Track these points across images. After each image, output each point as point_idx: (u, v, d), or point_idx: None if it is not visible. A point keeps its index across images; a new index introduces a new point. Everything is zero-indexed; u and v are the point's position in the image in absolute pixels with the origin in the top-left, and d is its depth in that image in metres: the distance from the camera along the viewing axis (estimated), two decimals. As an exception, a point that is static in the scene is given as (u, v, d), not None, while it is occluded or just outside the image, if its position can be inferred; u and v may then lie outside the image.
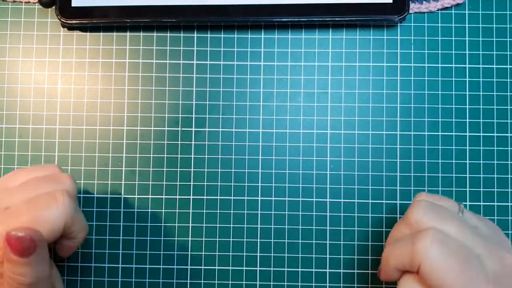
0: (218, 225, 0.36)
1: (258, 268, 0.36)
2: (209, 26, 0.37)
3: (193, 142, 0.36)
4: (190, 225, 0.36)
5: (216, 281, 0.36)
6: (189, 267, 0.36)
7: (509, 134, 0.36)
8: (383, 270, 0.29)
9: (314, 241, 0.36)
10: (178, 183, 0.36)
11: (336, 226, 0.36)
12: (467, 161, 0.36)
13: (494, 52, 0.36)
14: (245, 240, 0.36)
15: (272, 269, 0.36)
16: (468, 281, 0.25)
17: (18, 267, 0.25)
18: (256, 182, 0.36)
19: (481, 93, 0.36)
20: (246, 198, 0.36)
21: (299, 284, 0.36)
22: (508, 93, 0.36)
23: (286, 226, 0.36)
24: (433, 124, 0.36)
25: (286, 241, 0.36)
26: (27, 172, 0.30)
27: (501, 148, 0.36)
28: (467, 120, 0.36)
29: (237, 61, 0.37)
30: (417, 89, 0.36)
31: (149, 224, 0.36)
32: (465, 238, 0.26)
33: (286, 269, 0.36)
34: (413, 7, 0.36)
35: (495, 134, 0.36)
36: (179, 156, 0.36)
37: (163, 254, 0.36)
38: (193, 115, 0.36)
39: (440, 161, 0.36)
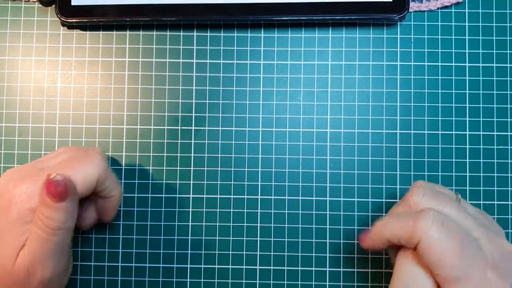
0: (217, 224, 0.36)
1: (258, 267, 0.36)
2: (209, 24, 0.37)
3: (192, 141, 0.36)
4: (190, 223, 0.36)
5: (216, 280, 0.36)
6: (188, 266, 0.36)
7: (509, 133, 0.36)
8: (372, 238, 0.29)
9: (314, 240, 0.36)
10: (177, 181, 0.36)
11: (336, 225, 0.36)
12: (467, 160, 0.36)
13: (494, 51, 0.36)
14: (244, 239, 0.36)
15: (272, 267, 0.36)
16: (467, 262, 0.25)
17: (50, 211, 0.27)
18: (256, 181, 0.36)
19: (481, 91, 0.36)
20: (245, 196, 0.36)
21: (299, 283, 0.36)
22: (508, 92, 0.36)
23: (286, 225, 0.36)
24: (433, 123, 0.36)
25: (285, 239, 0.36)
26: (62, 148, 0.32)
27: (501, 147, 0.36)
28: (467, 118, 0.36)
29: (236, 59, 0.37)
30: (417, 87, 0.36)
31: (148, 223, 0.36)
32: (463, 222, 0.27)
33: (286, 268, 0.36)
34: (413, 6, 0.36)
35: (495, 133, 0.36)
36: (178, 155, 0.36)
37: (162, 253, 0.36)
38: (193, 114, 0.36)
39: (440, 159, 0.36)
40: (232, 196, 0.36)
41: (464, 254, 0.26)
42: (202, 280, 0.36)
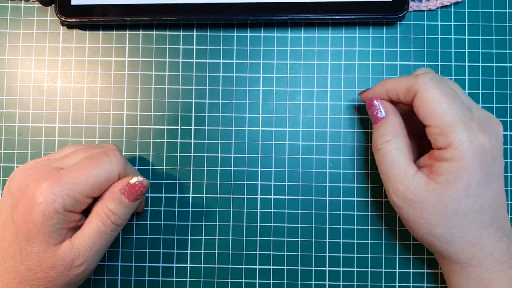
0: (217, 223, 0.36)
1: (257, 267, 0.36)
2: (209, 24, 0.37)
3: (192, 141, 0.36)
4: (190, 223, 0.36)
5: (216, 279, 0.36)
6: (188, 265, 0.36)
7: (508, 132, 0.36)
8: (373, 90, 0.32)
9: (313, 239, 0.36)
10: (177, 181, 0.36)
11: (335, 225, 0.36)
12: (467, 159, 0.36)
13: (494, 50, 0.36)
14: (244, 238, 0.36)
15: (271, 267, 0.36)
16: (457, 111, 0.28)
17: (120, 208, 0.30)
18: (256, 180, 0.36)
19: (480, 91, 0.36)
20: (245, 196, 0.36)
21: (299, 282, 0.36)
22: (508, 91, 0.36)
23: (286, 224, 0.36)
24: (433, 122, 0.36)
25: (285, 239, 0.36)
26: (75, 146, 0.32)
27: (500, 146, 0.36)
28: (467, 118, 0.36)
29: (236, 59, 0.37)
30: (417, 87, 0.36)
31: (148, 223, 0.36)
32: (460, 93, 0.30)
33: (285, 267, 0.36)
34: (413, 5, 0.36)
35: (494, 132, 0.36)
36: (178, 154, 0.36)
37: (162, 252, 0.36)
38: (193, 113, 0.36)
39: (439, 159, 0.36)
40: (231, 196, 0.36)
41: (455, 104, 0.29)
42: (201, 280, 0.36)
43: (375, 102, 0.31)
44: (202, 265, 0.36)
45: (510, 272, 0.29)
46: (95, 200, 0.30)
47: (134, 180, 0.30)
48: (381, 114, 0.31)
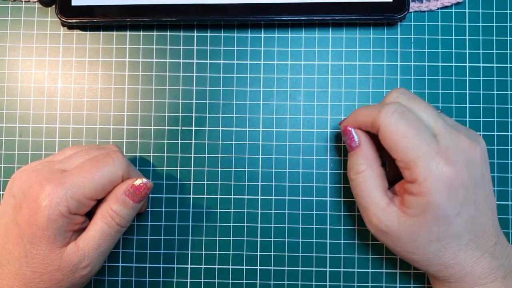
0: (218, 224, 0.36)
1: (258, 267, 0.36)
2: (209, 25, 0.37)
3: (193, 141, 0.36)
4: (190, 224, 0.36)
5: (216, 280, 0.36)
6: (189, 266, 0.36)
7: (509, 133, 0.36)
8: (348, 121, 0.32)
9: (314, 240, 0.36)
10: (178, 182, 0.36)
11: (336, 225, 0.36)
12: (467, 160, 0.36)
13: (494, 51, 0.36)
14: (245, 239, 0.36)
15: (272, 268, 0.36)
16: (419, 146, 0.28)
17: (125, 209, 0.30)
18: (256, 181, 0.36)
19: (481, 92, 0.36)
20: (246, 197, 0.36)
21: (299, 283, 0.36)
22: (508, 92, 0.36)
23: (286, 225, 0.36)
24: (433, 123, 0.36)
25: (286, 240, 0.36)
26: (76, 147, 0.32)
27: (501, 147, 0.36)
28: (467, 119, 0.36)
29: (237, 60, 0.37)
30: (417, 88, 0.36)
31: (149, 223, 0.36)
32: (428, 119, 0.29)
33: (286, 268, 0.36)
34: (413, 6, 0.36)
35: (495, 133, 0.36)
36: (179, 155, 0.36)
37: (163, 253, 0.36)
38: (193, 114, 0.36)
39: (440, 160, 0.36)
40: (232, 197, 0.36)
41: (417, 139, 0.28)
42: (202, 280, 0.36)
43: (349, 129, 0.32)
44: (203, 266, 0.36)
45: (493, 285, 0.29)
46: (99, 202, 0.30)
47: (138, 182, 0.30)
48: (354, 144, 0.31)
